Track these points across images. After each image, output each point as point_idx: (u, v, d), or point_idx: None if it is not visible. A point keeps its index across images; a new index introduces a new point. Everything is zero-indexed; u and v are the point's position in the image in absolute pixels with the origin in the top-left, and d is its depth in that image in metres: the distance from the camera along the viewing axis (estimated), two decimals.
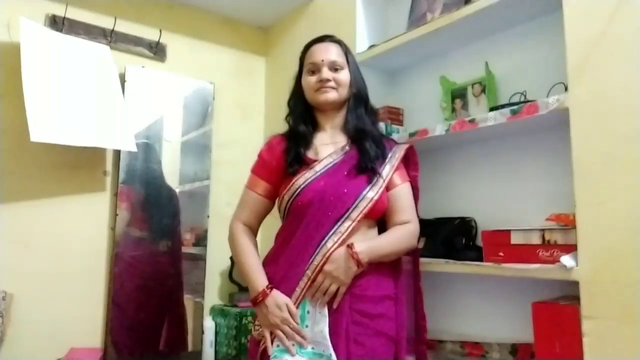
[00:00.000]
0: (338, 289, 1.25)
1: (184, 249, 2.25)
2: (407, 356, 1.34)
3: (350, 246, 1.26)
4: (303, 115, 1.45)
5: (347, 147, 1.39)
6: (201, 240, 2.27)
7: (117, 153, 2.10)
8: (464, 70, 1.73)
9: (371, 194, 1.31)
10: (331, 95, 1.38)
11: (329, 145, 1.40)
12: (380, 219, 1.39)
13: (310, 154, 1.38)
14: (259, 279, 1.32)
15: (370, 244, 1.30)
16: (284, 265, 1.32)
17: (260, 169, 1.44)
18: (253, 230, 1.45)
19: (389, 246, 1.34)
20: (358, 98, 1.43)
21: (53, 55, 1.89)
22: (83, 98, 1.91)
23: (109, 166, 2.10)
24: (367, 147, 1.36)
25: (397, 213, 1.37)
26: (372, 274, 1.30)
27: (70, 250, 1.97)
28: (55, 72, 1.87)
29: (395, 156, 1.41)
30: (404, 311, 1.37)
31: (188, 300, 2.23)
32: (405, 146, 1.46)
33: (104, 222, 2.07)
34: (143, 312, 2.07)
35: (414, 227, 1.38)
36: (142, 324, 2.07)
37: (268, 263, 1.38)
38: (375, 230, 1.38)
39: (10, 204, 1.86)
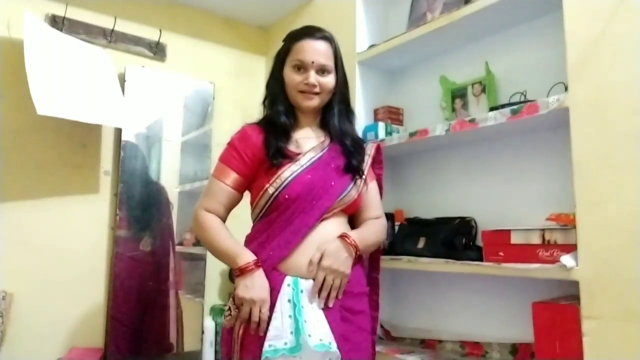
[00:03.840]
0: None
1: (184, 249, 2.25)
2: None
3: (344, 236, 1.27)
4: (284, 106, 1.39)
5: (327, 143, 1.39)
6: None
7: (117, 153, 2.10)
8: (464, 70, 1.73)
9: (354, 192, 1.34)
10: (314, 103, 1.36)
11: (311, 139, 1.38)
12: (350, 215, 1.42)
13: (291, 147, 1.35)
14: (246, 252, 1.25)
15: (359, 234, 1.32)
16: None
17: (231, 158, 1.35)
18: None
19: (373, 237, 1.38)
20: (340, 100, 1.42)
21: (55, 49, 1.88)
22: (83, 87, 1.91)
23: (108, 166, 2.10)
24: (351, 147, 1.38)
25: (369, 209, 1.41)
26: (352, 270, 1.29)
27: (70, 250, 1.96)
28: (56, 62, 1.86)
29: (368, 154, 1.44)
30: (372, 306, 1.41)
31: (188, 300, 2.23)
32: (375, 145, 1.48)
33: (104, 222, 2.07)
34: (141, 311, 2.06)
35: (385, 222, 1.45)
36: (142, 323, 2.06)
37: None
38: (348, 225, 1.38)
39: (10, 204, 1.86)
